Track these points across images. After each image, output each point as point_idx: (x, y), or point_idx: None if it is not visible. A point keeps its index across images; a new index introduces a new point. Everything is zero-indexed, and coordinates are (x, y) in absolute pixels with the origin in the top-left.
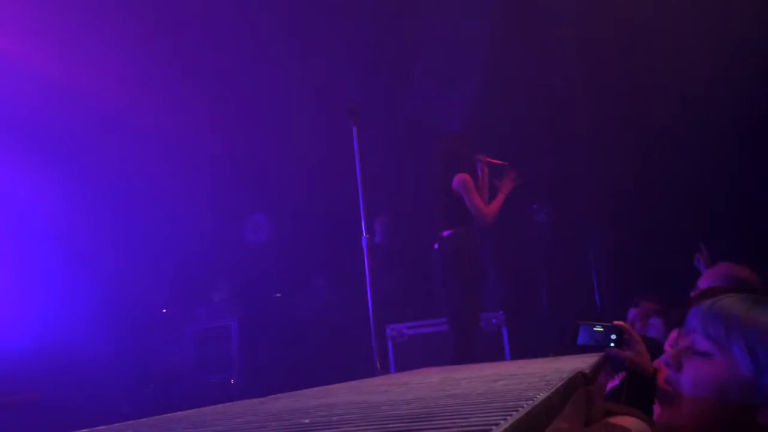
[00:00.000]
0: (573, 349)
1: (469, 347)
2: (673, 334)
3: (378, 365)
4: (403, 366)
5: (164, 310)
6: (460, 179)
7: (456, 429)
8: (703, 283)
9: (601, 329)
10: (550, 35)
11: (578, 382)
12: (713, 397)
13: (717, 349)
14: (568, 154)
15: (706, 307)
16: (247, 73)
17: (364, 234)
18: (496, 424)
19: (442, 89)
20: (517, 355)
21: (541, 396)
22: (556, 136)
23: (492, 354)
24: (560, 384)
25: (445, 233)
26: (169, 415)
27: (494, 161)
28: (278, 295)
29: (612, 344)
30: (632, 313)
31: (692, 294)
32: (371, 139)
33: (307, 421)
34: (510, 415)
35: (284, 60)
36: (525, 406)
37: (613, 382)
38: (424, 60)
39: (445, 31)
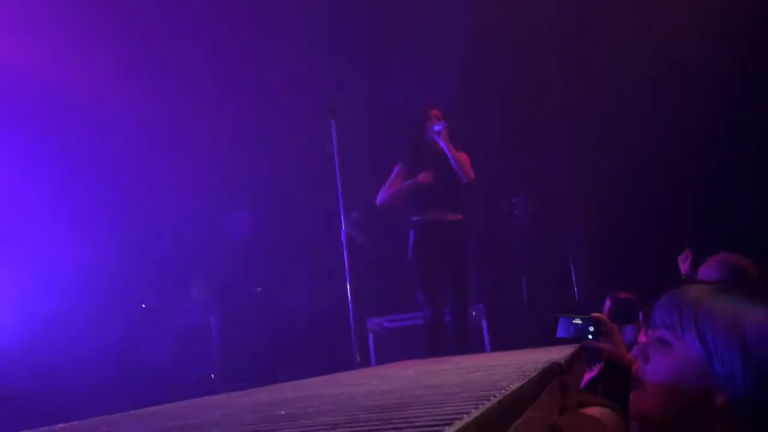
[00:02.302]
0: (553, 341)
1: (437, 341)
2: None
3: (358, 358)
4: (384, 359)
5: (143, 305)
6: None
7: (428, 418)
8: (702, 273)
9: (580, 321)
10: (530, 29)
11: (553, 372)
12: (672, 384)
13: (674, 337)
14: (547, 148)
15: (666, 298)
16: (225, 68)
17: (343, 228)
18: (467, 413)
19: (420, 84)
20: (497, 348)
21: (514, 386)
22: (536, 131)
23: (472, 346)
24: (535, 374)
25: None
26: (147, 408)
27: (439, 127)
28: (259, 289)
29: (590, 336)
30: (608, 303)
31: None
32: (350, 133)
33: (282, 412)
34: (482, 404)
35: (263, 54)
36: (497, 395)
37: (591, 374)
38: (403, 54)
39: (424, 25)
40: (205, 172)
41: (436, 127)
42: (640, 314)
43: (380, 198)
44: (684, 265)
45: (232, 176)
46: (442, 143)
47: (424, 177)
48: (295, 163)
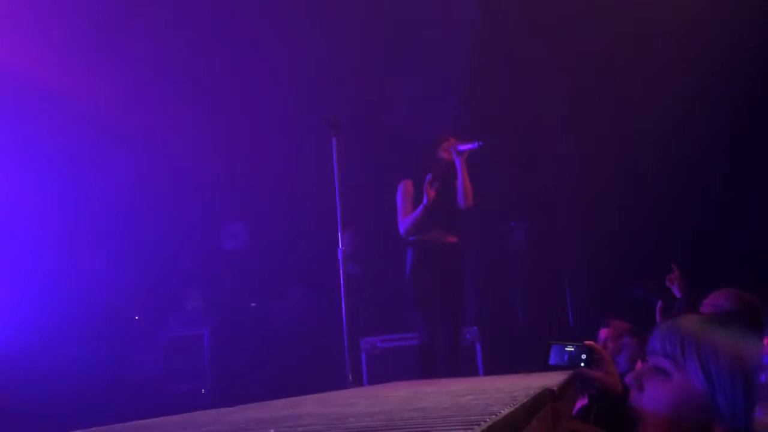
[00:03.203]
0: (545, 368)
1: (429, 363)
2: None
3: (350, 377)
4: (377, 379)
5: (136, 317)
6: (399, 188)
7: None
8: (708, 304)
9: (572, 349)
10: (530, 51)
11: (545, 398)
12: (671, 415)
13: (674, 367)
14: (546, 173)
15: (665, 327)
16: (227, 82)
17: (340, 246)
18: None
19: (421, 104)
20: (490, 372)
21: (505, 411)
22: (535, 155)
23: (465, 369)
24: (526, 400)
25: (409, 240)
26: (135, 422)
27: (465, 147)
28: (253, 304)
29: (582, 364)
30: (603, 332)
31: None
32: (351, 150)
33: (272, 431)
34: (471, 429)
35: (265, 70)
36: (487, 420)
37: (582, 401)
38: (405, 73)
39: (426, 45)
40: (202, 185)
41: (463, 146)
42: (635, 342)
43: (405, 228)
44: (673, 287)
45: (229, 190)
46: (460, 164)
47: (428, 193)
48: (294, 180)
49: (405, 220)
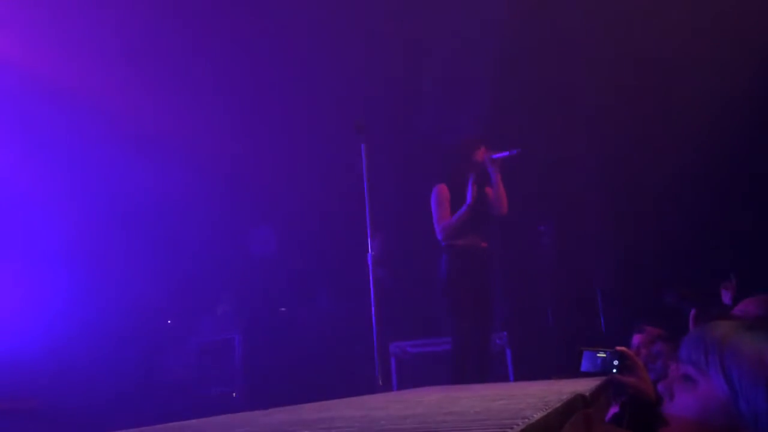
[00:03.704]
0: (576, 374)
1: (463, 368)
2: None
3: (380, 382)
4: (406, 384)
5: (169, 321)
6: (433, 191)
7: None
8: (740, 310)
9: (604, 355)
10: (558, 55)
11: (577, 404)
12: (697, 421)
13: (699, 374)
14: (575, 176)
15: (693, 334)
16: (257, 88)
17: (369, 250)
18: None
19: (449, 107)
20: (520, 377)
21: (538, 416)
22: (564, 158)
23: (496, 375)
24: (558, 405)
25: (443, 245)
26: (170, 424)
27: (500, 155)
28: (283, 309)
29: (614, 370)
30: (636, 338)
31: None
32: (379, 154)
33: None
34: None
35: (295, 74)
36: (520, 423)
37: (613, 409)
38: (433, 77)
39: (454, 49)
40: (232, 190)
41: (498, 155)
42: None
43: (446, 231)
44: (726, 297)
45: (259, 194)
46: (494, 172)
47: (473, 191)
48: (323, 184)
49: (446, 223)
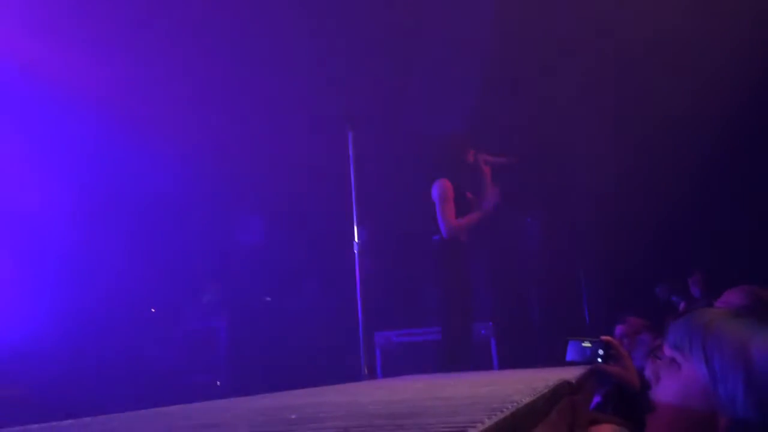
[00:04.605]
0: (562, 364)
1: (455, 358)
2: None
3: (365, 371)
4: (390, 373)
5: (153, 309)
6: (437, 186)
7: (441, 427)
8: (723, 300)
9: (589, 345)
10: (547, 47)
11: (564, 390)
12: (678, 405)
13: (683, 358)
14: (562, 169)
15: (680, 320)
16: (245, 77)
17: (355, 240)
18: (481, 422)
19: (437, 98)
20: (505, 366)
21: (527, 400)
22: (551, 151)
23: (480, 364)
24: (546, 391)
25: (435, 237)
26: (158, 408)
27: (496, 160)
28: (268, 299)
29: (599, 359)
30: (619, 329)
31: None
32: (367, 146)
33: (294, 416)
34: (495, 415)
35: (282, 64)
36: (510, 407)
37: (596, 399)
38: (422, 68)
39: (444, 41)
40: (219, 179)
41: (494, 159)
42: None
43: (456, 230)
44: (695, 288)
45: (245, 184)
46: (487, 174)
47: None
48: (310, 173)
49: (456, 225)
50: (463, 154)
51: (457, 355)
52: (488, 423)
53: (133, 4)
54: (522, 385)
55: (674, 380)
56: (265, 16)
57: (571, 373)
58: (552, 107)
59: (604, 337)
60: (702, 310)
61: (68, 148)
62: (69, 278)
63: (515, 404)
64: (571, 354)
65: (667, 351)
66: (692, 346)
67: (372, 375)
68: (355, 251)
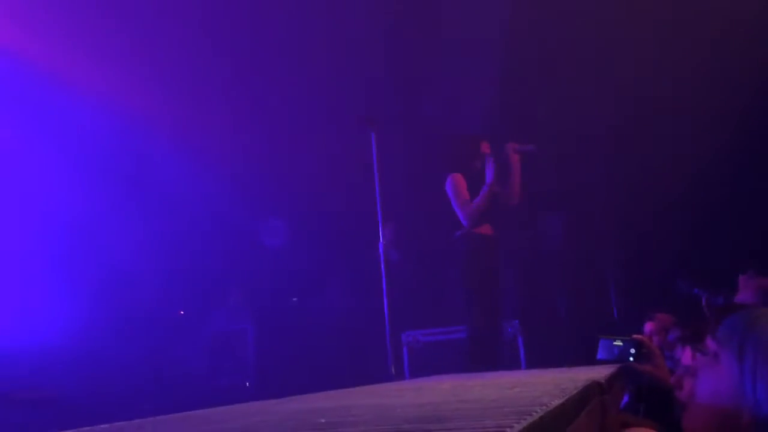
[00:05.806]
0: (591, 361)
1: (482, 356)
2: (687, 350)
3: (393, 371)
4: (418, 373)
5: (181, 312)
6: (449, 180)
7: (469, 430)
8: (740, 297)
9: (620, 343)
10: (565, 45)
11: (593, 391)
12: (710, 401)
13: (722, 354)
14: (586, 165)
15: (733, 315)
16: (268, 80)
17: (381, 240)
18: (510, 427)
19: (458, 97)
20: (533, 365)
21: (556, 402)
22: (575, 147)
23: (508, 363)
24: (575, 392)
25: (458, 233)
26: (186, 413)
27: (524, 148)
28: (295, 299)
29: (631, 358)
30: (648, 326)
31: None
32: (389, 145)
33: (323, 420)
34: (524, 419)
35: (305, 66)
36: (539, 410)
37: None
38: (441, 67)
39: (463, 38)
40: (244, 181)
41: (522, 147)
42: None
43: (473, 214)
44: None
45: (270, 185)
46: (515, 162)
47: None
48: (334, 174)
49: (471, 207)
50: (476, 149)
51: (482, 355)
52: (517, 427)
53: (155, 8)
54: (551, 386)
55: (709, 376)
56: (288, 18)
57: (600, 373)
58: (572, 102)
59: (635, 336)
60: (753, 308)
61: (96, 152)
62: (96, 282)
63: (544, 407)
64: (602, 353)
65: (711, 345)
66: (731, 342)
67: (399, 375)
68: (381, 250)
